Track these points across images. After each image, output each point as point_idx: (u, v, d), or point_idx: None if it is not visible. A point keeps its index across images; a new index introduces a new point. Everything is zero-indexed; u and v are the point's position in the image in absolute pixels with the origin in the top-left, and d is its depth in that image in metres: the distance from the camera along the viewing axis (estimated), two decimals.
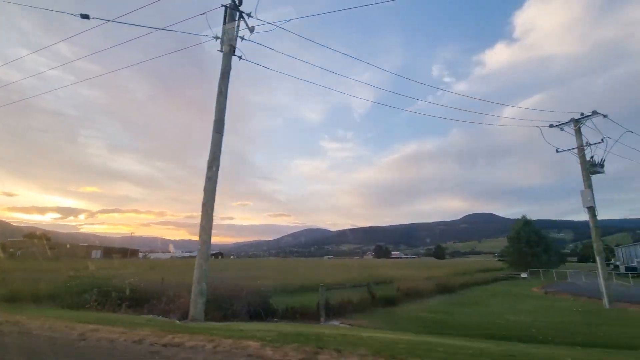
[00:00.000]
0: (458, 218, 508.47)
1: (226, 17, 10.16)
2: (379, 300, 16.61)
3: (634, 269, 52.52)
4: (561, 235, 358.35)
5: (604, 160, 18.25)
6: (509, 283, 32.22)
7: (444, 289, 22.80)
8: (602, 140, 17.32)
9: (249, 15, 10.20)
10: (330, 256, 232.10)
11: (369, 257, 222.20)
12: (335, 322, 12.44)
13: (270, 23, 10.33)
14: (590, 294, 20.78)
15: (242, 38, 10.42)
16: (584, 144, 18.16)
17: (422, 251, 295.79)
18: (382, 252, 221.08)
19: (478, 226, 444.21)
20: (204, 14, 10.09)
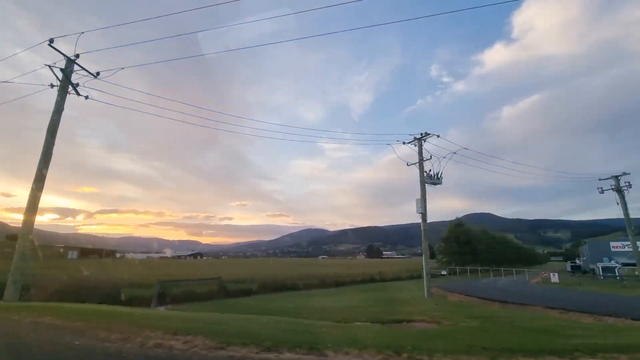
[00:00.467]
0: (454, 218, 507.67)
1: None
2: (236, 292, 19.69)
3: (577, 267, 54.17)
4: (558, 234, 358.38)
5: (441, 174, 21.08)
6: (411, 282, 34.64)
7: (328, 284, 25.77)
8: (430, 157, 20.18)
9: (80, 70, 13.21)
10: (324, 256, 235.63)
11: (361, 257, 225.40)
12: (162, 308, 15.53)
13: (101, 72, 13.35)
14: (473, 292, 20.78)
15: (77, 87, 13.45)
16: (424, 159, 21.03)
17: (419, 251, 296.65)
18: (374, 252, 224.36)
19: (475, 226, 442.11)
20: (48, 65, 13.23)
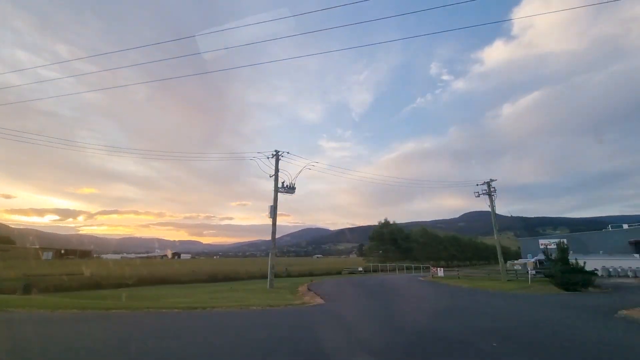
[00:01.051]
0: (456, 216, 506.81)
1: None
2: (110, 284, 23.63)
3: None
4: (557, 232, 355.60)
5: (294, 185, 24.77)
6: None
7: (218, 279, 29.54)
8: (279, 171, 23.89)
9: None
10: (319, 255, 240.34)
11: (353, 255, 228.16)
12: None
13: None
14: (318, 289, 23.22)
15: None
16: (279, 171, 24.70)
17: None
18: (364, 251, 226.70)
19: (476, 224, 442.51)
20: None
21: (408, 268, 49.30)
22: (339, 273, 44.31)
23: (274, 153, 24.80)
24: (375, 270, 48.72)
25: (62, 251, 73.57)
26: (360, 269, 48.13)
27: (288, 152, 24.45)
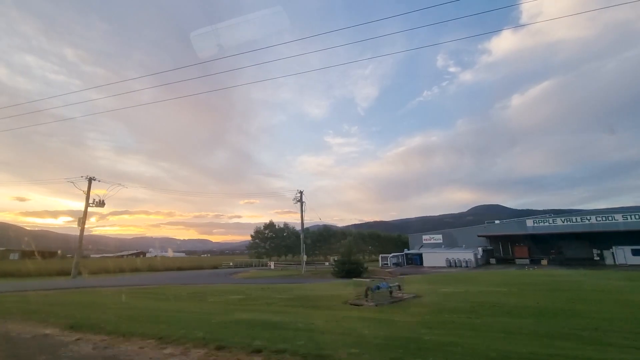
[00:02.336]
0: (465, 210, 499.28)
1: None
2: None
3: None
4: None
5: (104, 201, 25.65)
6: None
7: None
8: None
9: None
10: None
11: None
12: None
13: None
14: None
15: None
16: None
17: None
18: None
19: (484, 218, 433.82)
20: None
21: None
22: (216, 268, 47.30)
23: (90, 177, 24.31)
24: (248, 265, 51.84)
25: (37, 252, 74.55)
26: (231, 263, 51.09)
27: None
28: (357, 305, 10.42)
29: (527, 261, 43.45)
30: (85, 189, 28.78)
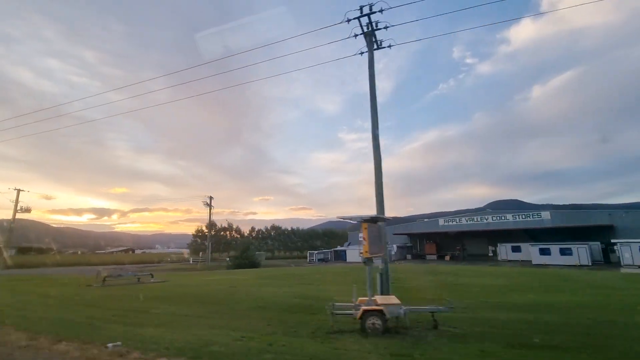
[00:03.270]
0: (482, 205, 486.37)
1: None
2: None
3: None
4: None
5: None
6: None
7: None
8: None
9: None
10: None
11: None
12: None
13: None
14: None
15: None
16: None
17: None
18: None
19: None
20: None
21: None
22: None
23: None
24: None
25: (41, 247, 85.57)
26: (168, 259, 58.06)
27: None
28: (91, 286, 17.38)
29: (434, 257, 48.24)
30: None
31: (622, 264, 32.72)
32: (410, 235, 54.09)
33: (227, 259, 58.61)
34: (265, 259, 53.00)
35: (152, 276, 19.08)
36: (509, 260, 40.49)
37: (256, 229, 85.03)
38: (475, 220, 48.17)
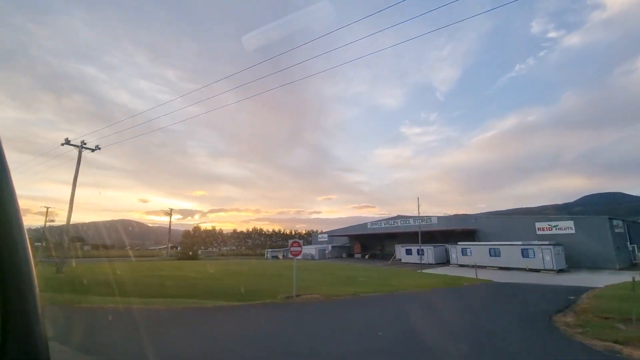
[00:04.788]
0: (573, 200, 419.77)
1: None
2: None
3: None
4: None
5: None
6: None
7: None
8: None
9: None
10: None
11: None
12: None
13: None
14: None
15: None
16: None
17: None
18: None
19: (597, 208, 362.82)
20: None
21: None
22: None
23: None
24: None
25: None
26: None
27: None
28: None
29: (359, 256, 56.17)
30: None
31: (450, 262, 37.88)
32: (349, 236, 62.27)
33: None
34: (222, 255, 67.10)
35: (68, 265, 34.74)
36: (402, 262, 46.65)
37: (238, 231, 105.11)
38: (392, 223, 54.41)
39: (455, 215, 49.78)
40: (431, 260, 39.44)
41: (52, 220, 52.27)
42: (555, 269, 28.29)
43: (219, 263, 39.09)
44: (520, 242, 31.88)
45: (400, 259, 47.07)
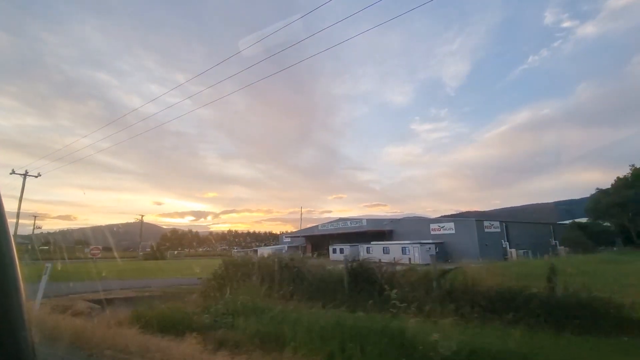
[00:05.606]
0: (589, 195, 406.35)
1: None
2: None
3: None
4: None
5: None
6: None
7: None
8: None
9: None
10: None
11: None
12: None
13: None
14: None
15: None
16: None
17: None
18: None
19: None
20: None
21: None
22: None
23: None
24: None
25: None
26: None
27: None
28: None
29: (310, 254, 62.48)
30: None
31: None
32: (305, 237, 68.61)
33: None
34: (192, 255, 74.50)
35: None
36: (333, 260, 52.75)
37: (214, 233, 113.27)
38: (338, 225, 60.44)
39: (382, 219, 55.33)
40: (341, 258, 45.44)
41: (39, 227, 60.90)
42: (421, 262, 34.00)
43: (167, 262, 46.30)
44: (404, 242, 37.65)
45: (329, 257, 53.30)
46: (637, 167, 47.65)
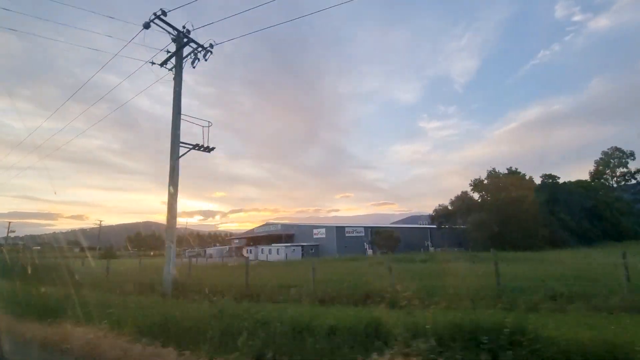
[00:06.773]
0: None
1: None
2: None
3: None
4: None
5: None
6: None
7: None
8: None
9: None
10: None
11: None
12: None
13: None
14: None
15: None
16: None
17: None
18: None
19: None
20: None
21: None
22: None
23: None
24: None
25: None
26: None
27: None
28: None
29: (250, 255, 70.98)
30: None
31: (258, 257, 51.79)
32: (246, 239, 77.13)
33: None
34: (129, 256, 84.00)
35: None
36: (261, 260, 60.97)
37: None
38: (264, 230, 68.85)
39: (292, 225, 63.38)
40: (251, 257, 53.81)
41: (13, 231, 70.61)
42: (283, 259, 42.10)
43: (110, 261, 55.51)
44: (281, 244, 45.79)
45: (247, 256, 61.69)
46: None
